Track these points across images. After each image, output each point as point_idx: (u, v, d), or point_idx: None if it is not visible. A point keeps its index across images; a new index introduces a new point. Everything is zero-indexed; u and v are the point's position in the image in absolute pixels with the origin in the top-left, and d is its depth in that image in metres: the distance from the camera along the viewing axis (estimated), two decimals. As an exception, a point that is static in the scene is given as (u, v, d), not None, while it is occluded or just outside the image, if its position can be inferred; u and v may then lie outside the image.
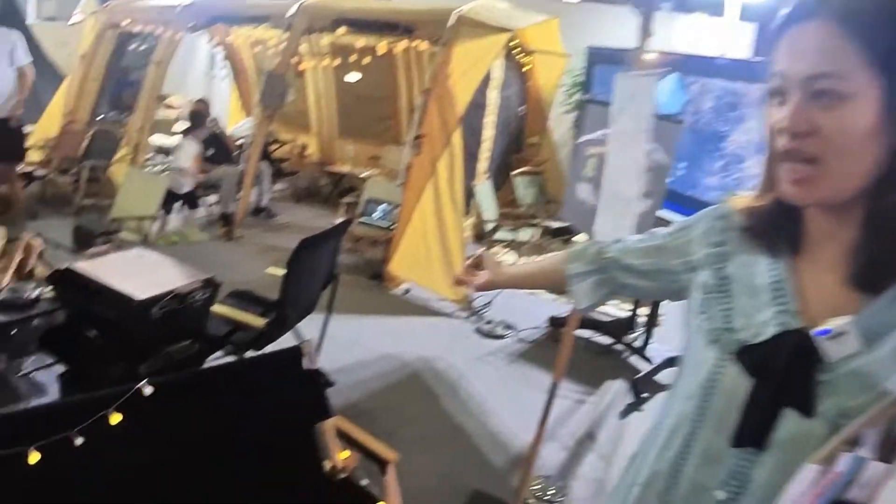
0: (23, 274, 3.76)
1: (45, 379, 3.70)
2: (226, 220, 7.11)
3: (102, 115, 8.23)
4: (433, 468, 3.30)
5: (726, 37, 9.01)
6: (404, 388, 4.12)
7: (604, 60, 6.10)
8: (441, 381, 4.22)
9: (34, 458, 1.75)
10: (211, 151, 7.62)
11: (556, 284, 1.43)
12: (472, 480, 3.21)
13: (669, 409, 1.15)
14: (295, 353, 2.33)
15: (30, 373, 3.77)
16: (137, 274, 3.10)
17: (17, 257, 3.74)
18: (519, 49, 7.47)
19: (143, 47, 8.25)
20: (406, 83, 8.78)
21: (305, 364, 2.34)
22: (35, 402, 3.54)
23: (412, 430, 3.61)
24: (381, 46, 7.03)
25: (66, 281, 3.09)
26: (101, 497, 1.98)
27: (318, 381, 2.35)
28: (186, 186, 6.79)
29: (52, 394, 3.58)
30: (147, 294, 2.85)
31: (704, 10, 9.53)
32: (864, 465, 0.82)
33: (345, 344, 4.39)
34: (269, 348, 3.40)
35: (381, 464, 2.28)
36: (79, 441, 1.83)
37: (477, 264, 1.51)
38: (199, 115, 7.29)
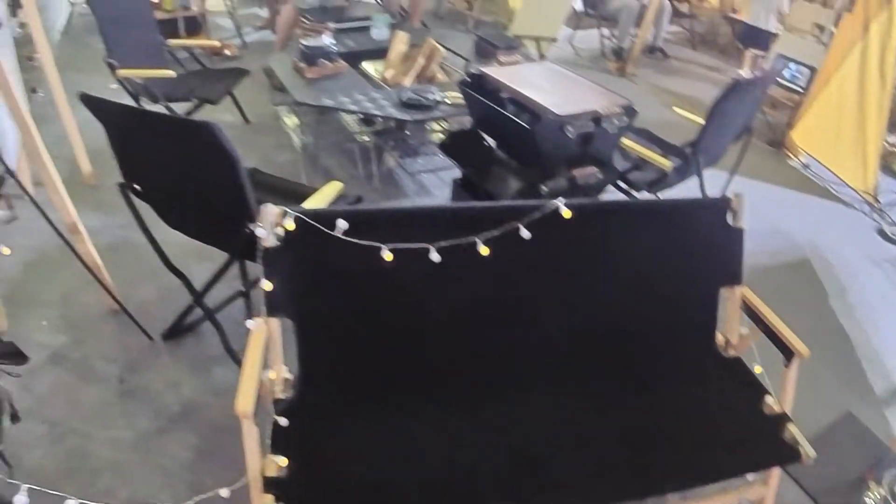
0: (423, 78, 3.87)
1: (432, 182, 3.85)
2: (619, 55, 6.75)
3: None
4: (809, 371, 2.92)
5: None
6: (791, 273, 3.71)
7: None
8: (830, 275, 3.71)
9: (435, 257, 1.75)
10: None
11: None
12: (846, 399, 2.83)
13: None
14: (722, 205, 2.05)
15: (418, 173, 3.97)
16: (551, 88, 2.95)
17: (421, 61, 3.83)
18: None
19: None
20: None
21: (730, 220, 2.06)
22: (419, 202, 3.71)
23: (794, 322, 3.22)
24: None
25: (477, 86, 3.03)
26: (477, 308, 1.96)
27: (740, 241, 2.06)
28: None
29: (437, 198, 3.76)
30: (566, 110, 2.69)
31: None
32: None
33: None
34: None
35: (786, 354, 1.98)
36: (483, 249, 1.78)
37: None
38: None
